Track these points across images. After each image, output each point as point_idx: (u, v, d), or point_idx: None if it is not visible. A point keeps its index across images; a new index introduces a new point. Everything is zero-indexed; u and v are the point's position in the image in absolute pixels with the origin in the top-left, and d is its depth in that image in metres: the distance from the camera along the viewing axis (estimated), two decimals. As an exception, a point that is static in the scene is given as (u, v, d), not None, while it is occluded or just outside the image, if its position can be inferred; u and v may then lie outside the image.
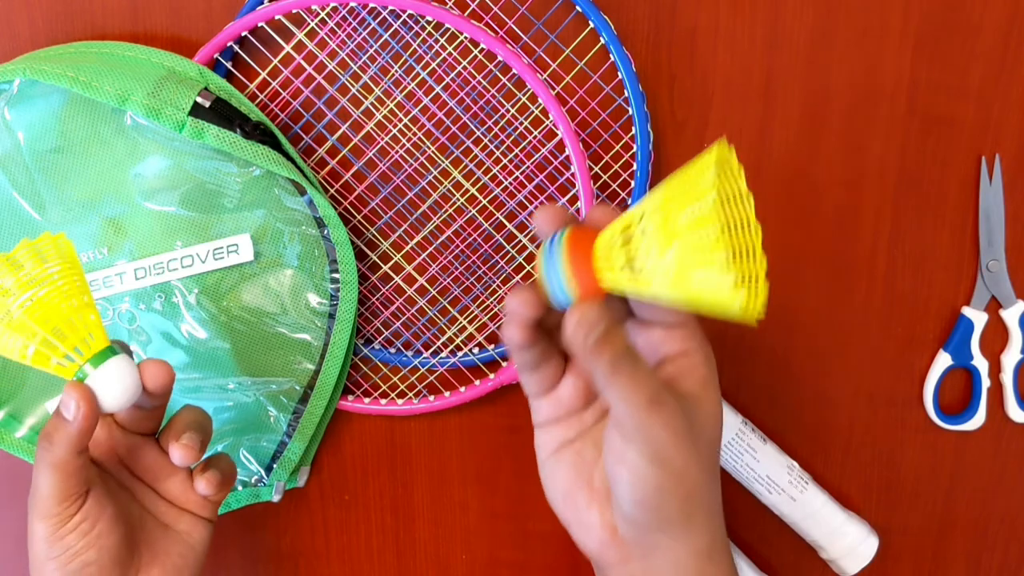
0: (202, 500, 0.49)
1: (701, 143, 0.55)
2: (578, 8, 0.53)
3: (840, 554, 0.57)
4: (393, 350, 0.59)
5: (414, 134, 0.56)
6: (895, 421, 0.58)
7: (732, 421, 0.56)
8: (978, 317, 0.56)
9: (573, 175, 0.53)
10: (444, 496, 0.61)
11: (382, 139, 0.56)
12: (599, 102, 0.54)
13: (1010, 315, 0.56)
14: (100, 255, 0.54)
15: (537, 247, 0.55)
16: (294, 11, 0.52)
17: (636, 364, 0.38)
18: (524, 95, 0.55)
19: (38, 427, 0.56)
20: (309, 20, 0.54)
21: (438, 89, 0.55)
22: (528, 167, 0.56)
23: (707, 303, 0.34)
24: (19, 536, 0.62)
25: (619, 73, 0.53)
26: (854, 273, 0.57)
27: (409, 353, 0.59)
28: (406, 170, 0.56)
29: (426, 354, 0.59)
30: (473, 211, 0.57)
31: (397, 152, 0.56)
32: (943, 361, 0.57)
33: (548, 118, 0.54)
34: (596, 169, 0.55)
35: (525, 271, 0.57)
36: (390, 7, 0.52)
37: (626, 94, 0.53)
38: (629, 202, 0.55)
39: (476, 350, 0.58)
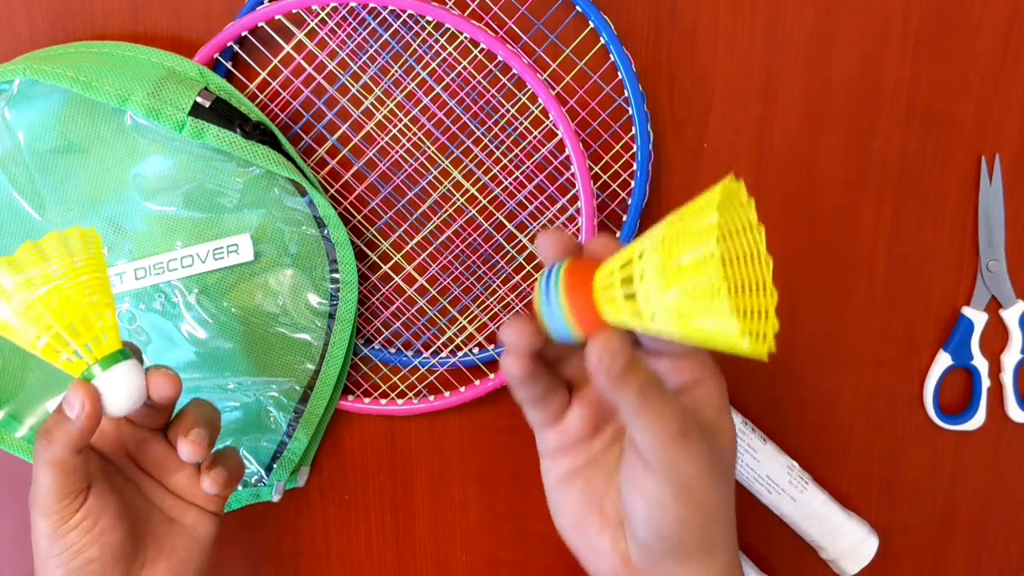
0: (209, 495, 0.49)
1: (701, 143, 0.55)
2: (578, 8, 0.53)
3: (840, 554, 0.57)
4: (393, 350, 0.59)
5: (414, 134, 0.56)
6: (895, 421, 0.58)
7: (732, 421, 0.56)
8: (978, 317, 0.56)
9: (573, 175, 0.53)
10: (444, 496, 0.61)
11: (382, 139, 0.56)
12: (599, 102, 0.54)
13: (1010, 315, 0.56)
14: (100, 255, 0.54)
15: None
16: (294, 11, 0.52)
17: (663, 395, 0.37)
18: (524, 95, 0.55)
19: (38, 427, 0.56)
20: (309, 20, 0.54)
21: (438, 89, 0.55)
22: (528, 167, 0.56)
23: (713, 341, 0.33)
24: (19, 536, 0.62)
25: (619, 73, 0.53)
26: (854, 273, 0.57)
27: (409, 353, 0.59)
28: (406, 170, 0.56)
29: (426, 354, 0.59)
30: (473, 211, 0.57)
31: (397, 152, 0.56)
32: (943, 361, 0.57)
33: (548, 118, 0.54)
34: (596, 169, 0.55)
35: (525, 271, 0.57)
36: (390, 7, 0.52)
37: (626, 94, 0.53)
38: (629, 202, 0.55)
39: (476, 350, 0.58)
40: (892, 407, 0.58)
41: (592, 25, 0.53)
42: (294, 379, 0.57)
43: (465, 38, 0.54)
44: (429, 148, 0.56)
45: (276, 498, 0.59)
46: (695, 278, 0.32)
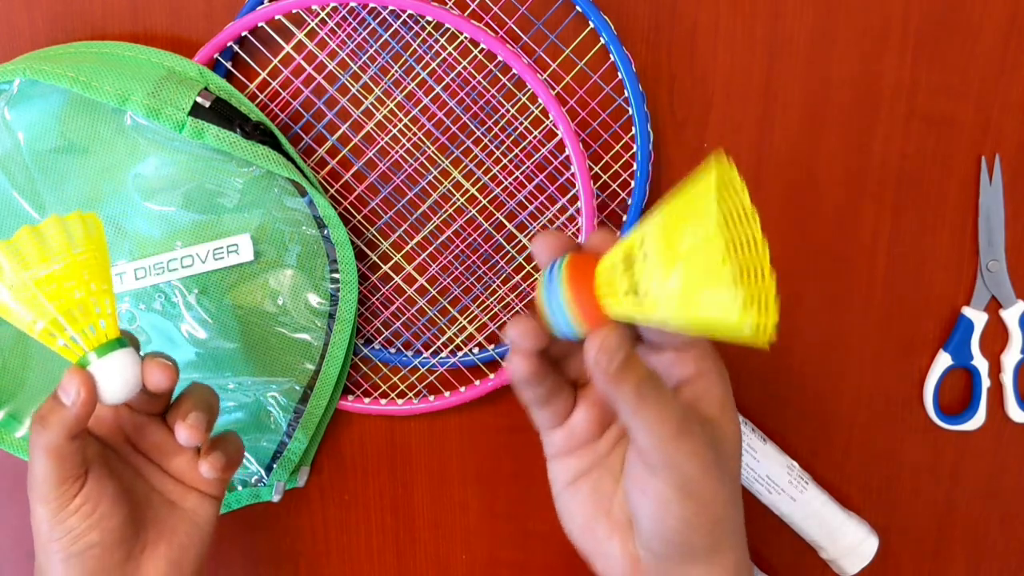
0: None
1: (701, 143, 0.55)
2: (578, 8, 0.53)
3: (840, 554, 0.57)
4: (393, 350, 0.59)
5: (414, 134, 0.56)
6: (895, 421, 0.58)
7: (732, 421, 0.56)
8: (978, 317, 0.56)
9: (573, 175, 0.53)
10: (444, 496, 0.61)
11: (382, 139, 0.56)
12: (599, 102, 0.54)
13: (1010, 315, 0.56)
14: (100, 255, 0.54)
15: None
16: (294, 11, 0.52)
17: (661, 392, 0.37)
18: (524, 95, 0.55)
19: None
20: (309, 20, 0.54)
21: (438, 89, 0.55)
22: (528, 167, 0.56)
23: (716, 327, 0.32)
24: (20, 535, 0.62)
25: (619, 73, 0.53)
26: (854, 273, 0.57)
27: (409, 353, 0.59)
28: (406, 170, 0.56)
29: (426, 354, 0.59)
30: (473, 211, 0.57)
31: (397, 152, 0.56)
32: (943, 361, 0.57)
33: (548, 118, 0.54)
34: (596, 169, 0.55)
35: (525, 271, 0.57)
36: (390, 7, 0.52)
37: (626, 94, 0.53)
38: (629, 202, 0.55)
39: (476, 350, 0.58)
40: (892, 407, 0.58)
41: (592, 25, 0.53)
42: (294, 379, 0.57)
43: (465, 38, 0.54)
44: (429, 148, 0.56)
45: (276, 498, 0.59)
46: (698, 255, 0.32)
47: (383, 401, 0.58)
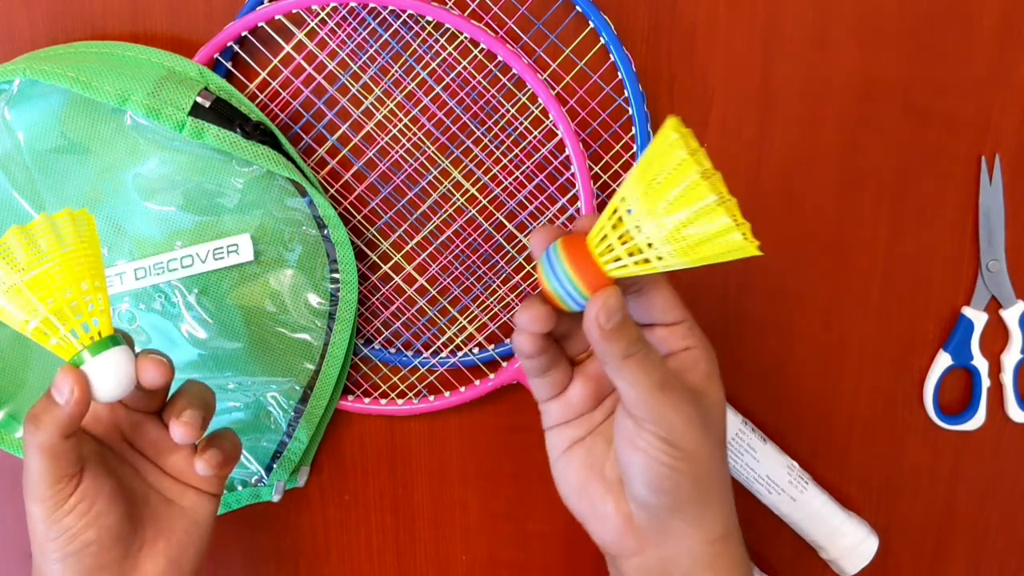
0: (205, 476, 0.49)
1: (701, 143, 0.55)
2: (578, 8, 0.53)
3: (840, 554, 0.57)
4: (393, 350, 0.59)
5: (414, 134, 0.56)
6: (895, 421, 0.58)
7: (732, 421, 0.56)
8: (978, 317, 0.56)
9: (573, 175, 0.53)
10: (444, 496, 0.61)
11: (382, 139, 0.56)
12: (599, 102, 0.54)
13: (1010, 315, 0.56)
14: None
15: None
16: (294, 11, 0.52)
17: (649, 351, 0.39)
18: (524, 95, 0.55)
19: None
20: (309, 20, 0.54)
21: (438, 89, 0.55)
22: (528, 167, 0.56)
23: (711, 246, 0.36)
24: (18, 536, 0.62)
25: (619, 73, 0.53)
26: (854, 273, 0.57)
27: (409, 353, 0.59)
28: (406, 170, 0.56)
29: (426, 354, 0.59)
30: (473, 211, 0.57)
31: (397, 152, 0.56)
32: (943, 361, 0.57)
33: (548, 118, 0.54)
34: (596, 169, 0.55)
35: (525, 271, 0.57)
36: (390, 7, 0.52)
37: (626, 94, 0.53)
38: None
39: (476, 350, 0.58)
40: (892, 407, 0.58)
41: (592, 25, 0.53)
42: (294, 379, 0.57)
43: (465, 38, 0.54)
44: (429, 148, 0.56)
45: (276, 498, 0.59)
46: (679, 194, 0.36)
47: (383, 401, 0.58)
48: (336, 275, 0.55)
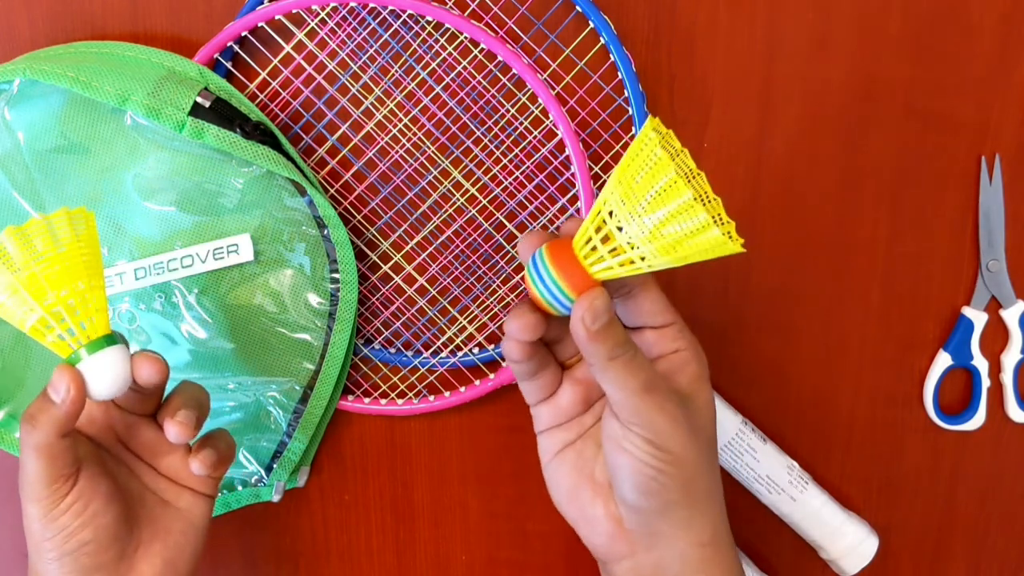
0: (200, 477, 0.49)
1: (701, 143, 0.55)
2: (578, 8, 0.53)
3: (840, 554, 0.57)
4: (393, 350, 0.59)
5: (414, 134, 0.56)
6: (895, 421, 0.58)
7: (732, 421, 0.56)
8: (978, 317, 0.56)
9: (573, 175, 0.53)
10: (444, 496, 0.61)
11: (382, 139, 0.56)
12: (599, 102, 0.54)
13: (1010, 315, 0.56)
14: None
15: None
16: (294, 11, 0.52)
17: (634, 353, 0.40)
18: (524, 95, 0.55)
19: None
20: (309, 20, 0.54)
21: (438, 89, 0.55)
22: (528, 167, 0.56)
23: (689, 242, 0.36)
24: (17, 536, 0.62)
25: (619, 73, 0.53)
26: (854, 273, 0.57)
27: (409, 353, 0.59)
28: (406, 170, 0.56)
29: (426, 354, 0.59)
30: (473, 211, 0.57)
31: (397, 152, 0.56)
32: (943, 361, 0.57)
33: (548, 118, 0.54)
34: (596, 169, 0.55)
35: (525, 271, 0.57)
36: (390, 7, 0.52)
37: (626, 94, 0.53)
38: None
39: (476, 350, 0.58)
40: (892, 407, 0.58)
41: (592, 25, 0.53)
42: (294, 379, 0.57)
43: (465, 38, 0.54)
44: (429, 148, 0.56)
45: (276, 498, 0.59)
46: (659, 194, 0.36)
47: (383, 401, 0.58)
48: (336, 275, 0.55)
